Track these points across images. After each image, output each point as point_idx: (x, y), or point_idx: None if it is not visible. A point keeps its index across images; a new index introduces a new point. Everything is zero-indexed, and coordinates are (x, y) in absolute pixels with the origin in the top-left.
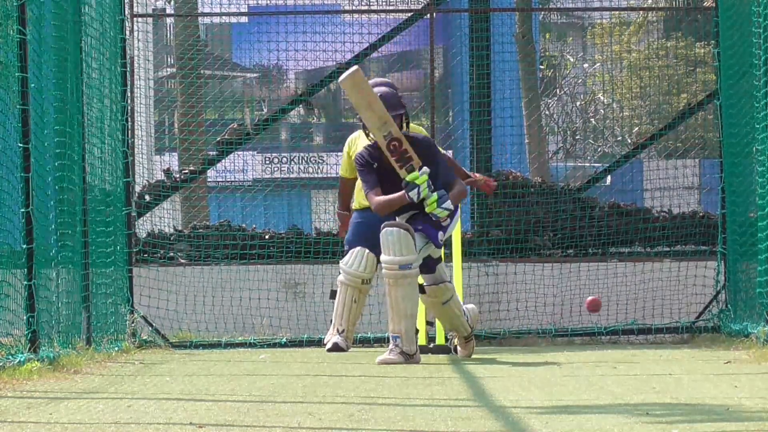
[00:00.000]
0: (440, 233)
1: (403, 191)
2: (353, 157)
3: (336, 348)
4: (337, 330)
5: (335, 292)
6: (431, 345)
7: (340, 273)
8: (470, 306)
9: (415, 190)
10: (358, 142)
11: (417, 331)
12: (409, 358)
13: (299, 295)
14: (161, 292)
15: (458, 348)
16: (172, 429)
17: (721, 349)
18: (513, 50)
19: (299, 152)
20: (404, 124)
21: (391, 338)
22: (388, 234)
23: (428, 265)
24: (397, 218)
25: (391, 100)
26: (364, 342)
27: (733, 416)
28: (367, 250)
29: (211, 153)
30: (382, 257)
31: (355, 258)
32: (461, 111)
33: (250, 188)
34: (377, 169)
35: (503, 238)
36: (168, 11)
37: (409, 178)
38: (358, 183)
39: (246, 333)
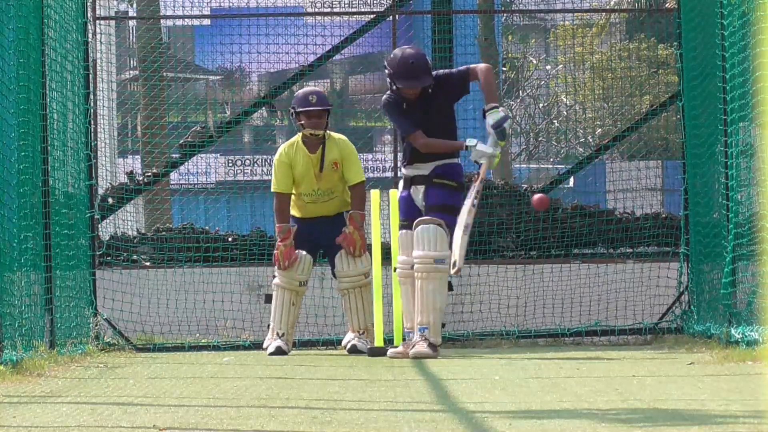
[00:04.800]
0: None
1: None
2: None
3: (279, 351)
4: (277, 334)
5: (270, 296)
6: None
7: (275, 276)
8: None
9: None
10: (291, 150)
11: (443, 324)
12: (435, 350)
13: (262, 297)
14: (125, 295)
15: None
16: None
17: (684, 350)
18: (475, 52)
19: (262, 154)
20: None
21: (417, 330)
22: (423, 231)
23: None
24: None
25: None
26: (327, 344)
27: (697, 418)
28: (304, 252)
29: (174, 156)
30: (416, 252)
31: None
32: None
33: (213, 191)
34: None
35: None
36: (130, 14)
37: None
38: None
39: (210, 335)
